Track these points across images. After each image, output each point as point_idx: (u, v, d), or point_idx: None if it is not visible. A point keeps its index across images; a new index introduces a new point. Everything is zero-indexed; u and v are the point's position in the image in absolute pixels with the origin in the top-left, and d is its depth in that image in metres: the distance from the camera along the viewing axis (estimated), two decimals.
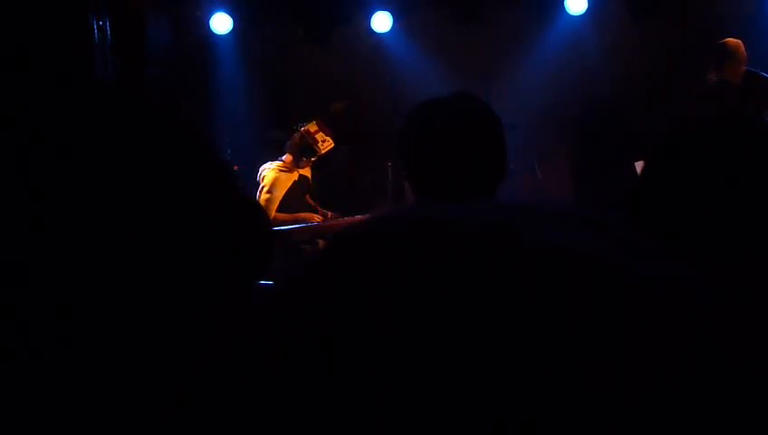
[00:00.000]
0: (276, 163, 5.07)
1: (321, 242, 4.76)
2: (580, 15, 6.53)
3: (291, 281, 0.41)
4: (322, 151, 4.95)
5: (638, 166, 5.01)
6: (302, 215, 5.01)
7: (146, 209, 0.60)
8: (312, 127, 4.95)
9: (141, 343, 0.59)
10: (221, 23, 6.49)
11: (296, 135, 5.00)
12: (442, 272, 0.36)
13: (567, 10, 6.52)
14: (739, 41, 5.17)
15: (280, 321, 0.39)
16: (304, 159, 5.02)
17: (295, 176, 5.08)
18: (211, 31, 6.52)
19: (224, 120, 6.53)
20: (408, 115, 1.78)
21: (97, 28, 4.46)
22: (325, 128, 4.98)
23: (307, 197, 5.17)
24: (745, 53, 5.13)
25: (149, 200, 0.61)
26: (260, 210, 0.76)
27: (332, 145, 4.97)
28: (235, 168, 5.35)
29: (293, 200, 5.05)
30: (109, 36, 4.58)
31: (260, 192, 5.00)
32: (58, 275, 0.57)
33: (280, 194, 5.00)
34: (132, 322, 0.59)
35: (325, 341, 0.36)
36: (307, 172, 5.16)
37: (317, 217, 5.02)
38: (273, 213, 4.93)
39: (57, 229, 0.57)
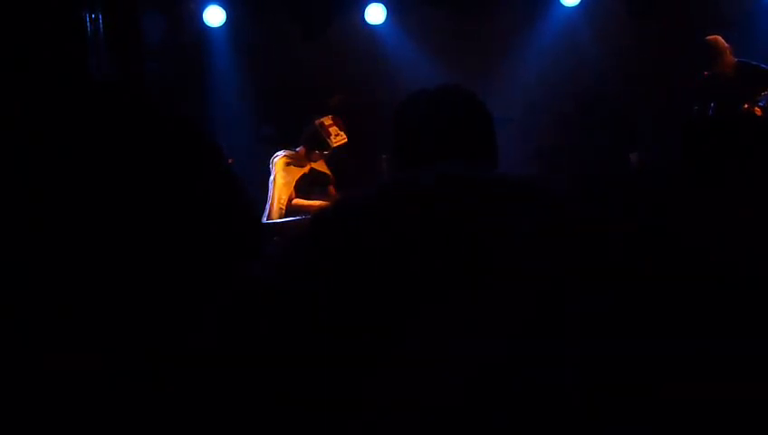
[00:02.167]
0: (289, 152, 5.03)
1: None
2: (574, 7, 6.53)
3: (277, 264, 0.41)
4: (335, 145, 4.92)
5: (633, 157, 5.04)
6: (318, 203, 4.96)
7: (146, 209, 0.60)
8: (327, 120, 4.92)
9: (141, 343, 0.60)
10: (214, 16, 6.46)
11: (311, 127, 4.96)
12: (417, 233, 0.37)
13: (561, 1, 6.52)
14: (717, 36, 5.29)
15: (270, 300, 0.39)
16: (317, 151, 4.99)
17: (306, 169, 5.04)
18: (205, 24, 6.50)
19: (218, 115, 6.51)
20: (397, 107, 1.80)
21: (89, 22, 4.43)
22: (339, 123, 4.95)
23: (330, 188, 5.12)
24: (726, 44, 5.25)
25: (150, 199, 0.61)
26: (255, 207, 0.77)
27: (345, 140, 4.92)
28: (230, 161, 5.32)
29: (300, 192, 5.01)
30: (101, 30, 4.55)
31: (274, 179, 4.96)
32: (58, 274, 0.57)
33: (293, 179, 4.96)
34: (132, 322, 0.59)
35: (318, 314, 0.37)
36: (319, 166, 5.11)
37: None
38: (288, 195, 4.90)
39: (57, 229, 0.57)
